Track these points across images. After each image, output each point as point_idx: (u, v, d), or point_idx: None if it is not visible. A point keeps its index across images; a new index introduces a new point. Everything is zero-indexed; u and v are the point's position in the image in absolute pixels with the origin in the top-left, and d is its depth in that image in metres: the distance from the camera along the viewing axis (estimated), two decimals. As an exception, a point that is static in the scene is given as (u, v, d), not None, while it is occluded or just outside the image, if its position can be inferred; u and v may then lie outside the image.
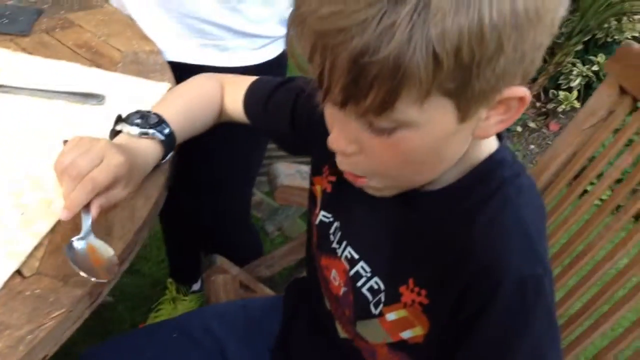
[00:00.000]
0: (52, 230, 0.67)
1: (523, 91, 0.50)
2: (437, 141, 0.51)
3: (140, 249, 1.93)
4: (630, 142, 0.95)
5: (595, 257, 0.96)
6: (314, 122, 0.63)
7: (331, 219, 0.74)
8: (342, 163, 0.58)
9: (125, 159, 0.67)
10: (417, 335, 0.64)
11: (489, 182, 0.58)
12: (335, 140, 0.55)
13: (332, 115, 0.55)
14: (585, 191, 0.99)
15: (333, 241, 0.73)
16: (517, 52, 0.46)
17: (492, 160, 0.59)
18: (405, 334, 0.65)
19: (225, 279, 1.16)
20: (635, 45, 0.93)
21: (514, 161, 0.61)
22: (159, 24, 1.03)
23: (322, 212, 0.76)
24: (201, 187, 1.26)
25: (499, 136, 0.61)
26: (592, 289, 0.95)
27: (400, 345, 0.66)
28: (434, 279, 0.60)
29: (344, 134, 0.54)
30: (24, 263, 0.63)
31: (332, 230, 0.74)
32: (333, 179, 0.74)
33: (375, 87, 0.45)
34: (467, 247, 0.57)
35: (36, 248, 0.65)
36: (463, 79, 0.45)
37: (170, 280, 1.62)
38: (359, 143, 0.53)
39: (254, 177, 1.37)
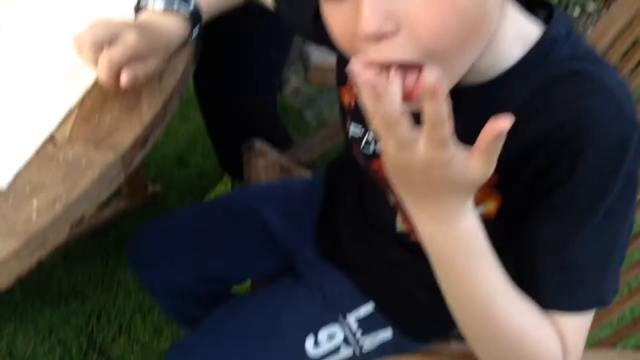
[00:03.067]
0: (82, 100, 0.68)
1: None
2: None
3: (186, 142, 1.95)
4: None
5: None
6: None
7: (363, 130, 0.71)
8: (382, 50, 0.47)
9: (140, 36, 0.66)
10: (489, 211, 0.62)
11: (550, 63, 0.54)
12: (370, 20, 0.45)
13: None
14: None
15: (374, 144, 0.70)
16: None
17: (547, 39, 0.54)
18: (477, 210, 0.64)
19: (265, 162, 1.16)
20: None
21: (569, 35, 0.55)
22: None
23: (353, 124, 0.73)
24: (224, 76, 1.25)
25: (550, 12, 0.57)
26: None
27: None
28: (502, 158, 0.58)
29: (377, 8, 0.46)
30: (57, 130, 0.64)
31: (370, 138, 0.71)
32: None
33: None
34: (545, 121, 0.54)
35: (67, 117, 0.66)
36: None
37: (227, 175, 1.62)
38: (395, 15, 0.46)
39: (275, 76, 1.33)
